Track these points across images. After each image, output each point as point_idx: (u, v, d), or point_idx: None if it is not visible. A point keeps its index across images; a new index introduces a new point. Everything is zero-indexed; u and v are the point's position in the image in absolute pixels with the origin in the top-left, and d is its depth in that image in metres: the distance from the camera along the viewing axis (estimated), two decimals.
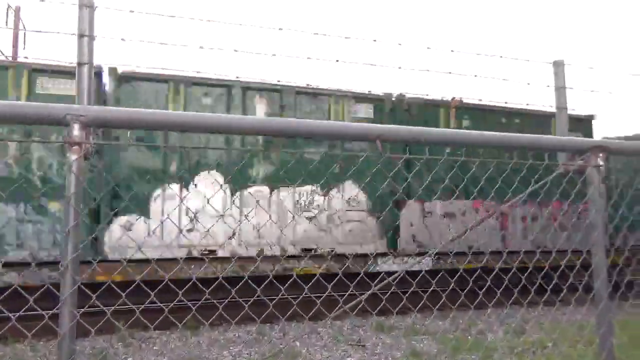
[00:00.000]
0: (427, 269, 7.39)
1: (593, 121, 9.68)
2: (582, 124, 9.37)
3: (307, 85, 7.87)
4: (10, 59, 12.80)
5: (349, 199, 7.76)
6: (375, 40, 3.00)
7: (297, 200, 7.54)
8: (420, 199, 8.06)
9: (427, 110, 8.38)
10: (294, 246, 7.39)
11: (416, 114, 8.23)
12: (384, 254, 7.79)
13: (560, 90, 3.67)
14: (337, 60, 2.80)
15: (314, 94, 7.93)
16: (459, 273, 2.64)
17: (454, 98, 8.36)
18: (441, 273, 2.48)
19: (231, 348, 5.64)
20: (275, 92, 7.62)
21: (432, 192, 7.60)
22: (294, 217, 7.38)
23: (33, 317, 4.90)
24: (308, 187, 7.55)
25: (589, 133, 9.40)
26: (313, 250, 7.39)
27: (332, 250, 7.42)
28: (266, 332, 6.28)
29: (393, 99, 8.18)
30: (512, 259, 7.94)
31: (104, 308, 2.30)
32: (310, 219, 7.45)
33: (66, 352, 1.54)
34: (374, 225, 7.90)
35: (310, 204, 7.58)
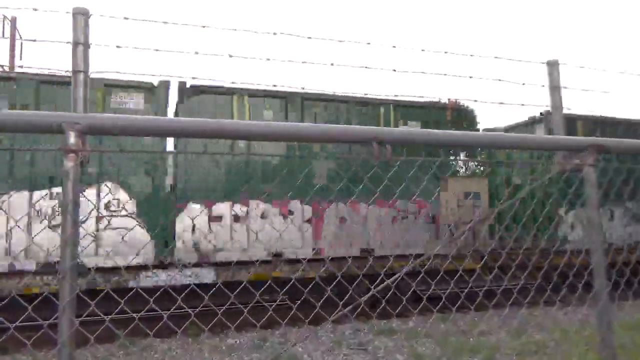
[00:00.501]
0: (208, 281, 6.72)
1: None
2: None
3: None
4: (7, 68, 12.80)
5: (108, 202, 6.73)
6: (369, 43, 3.02)
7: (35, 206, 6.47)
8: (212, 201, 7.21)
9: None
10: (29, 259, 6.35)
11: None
12: (147, 267, 6.69)
13: (555, 89, 3.67)
14: (332, 64, 2.81)
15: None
16: (458, 274, 2.64)
17: (449, 100, 8.39)
18: (440, 274, 2.48)
19: (232, 354, 5.63)
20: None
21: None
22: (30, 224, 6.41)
23: (34, 327, 4.88)
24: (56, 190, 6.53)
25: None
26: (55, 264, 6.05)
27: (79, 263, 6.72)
28: (267, 338, 6.26)
29: None
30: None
31: (104, 317, 2.30)
32: (54, 227, 6.33)
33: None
34: (143, 233, 6.76)
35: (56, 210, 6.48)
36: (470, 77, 3.28)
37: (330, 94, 7.99)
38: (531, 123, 9.77)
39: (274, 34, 2.81)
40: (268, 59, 2.86)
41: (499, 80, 3.34)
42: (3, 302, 2.16)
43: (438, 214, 8.22)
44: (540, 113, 9.52)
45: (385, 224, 7.88)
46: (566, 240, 9.01)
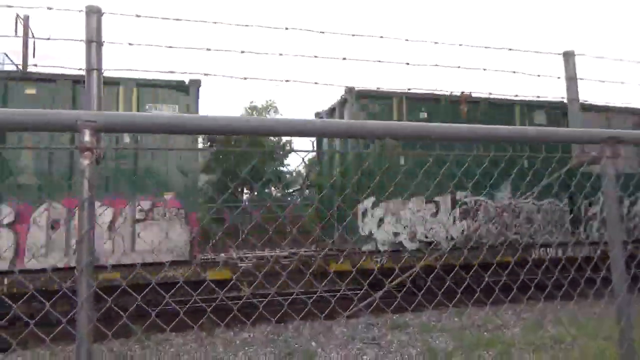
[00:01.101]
0: None
1: None
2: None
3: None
4: (20, 67, 12.95)
5: None
6: (382, 37, 2.99)
7: None
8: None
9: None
10: None
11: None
12: None
13: (571, 81, 3.62)
14: (344, 58, 2.79)
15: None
16: (474, 269, 2.62)
17: (463, 92, 8.28)
18: (456, 269, 2.46)
19: (247, 348, 5.66)
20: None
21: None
22: None
23: (51, 322, 4.97)
24: None
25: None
26: None
27: None
28: (281, 332, 6.29)
29: None
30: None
31: (120, 312, 2.32)
32: None
33: (84, 355, 1.55)
34: None
35: None
36: (485, 70, 3.24)
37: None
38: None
39: (286, 28, 2.80)
40: (280, 54, 2.85)
41: (514, 72, 3.29)
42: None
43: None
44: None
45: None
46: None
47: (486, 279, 2.50)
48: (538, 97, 3.60)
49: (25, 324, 2.08)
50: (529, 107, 8.91)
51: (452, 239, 7.93)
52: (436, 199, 8.02)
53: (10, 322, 5.63)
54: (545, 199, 8.69)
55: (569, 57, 3.70)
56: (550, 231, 8.65)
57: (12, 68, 13.98)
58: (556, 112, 8.97)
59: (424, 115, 8.27)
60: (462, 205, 8.13)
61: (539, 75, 3.50)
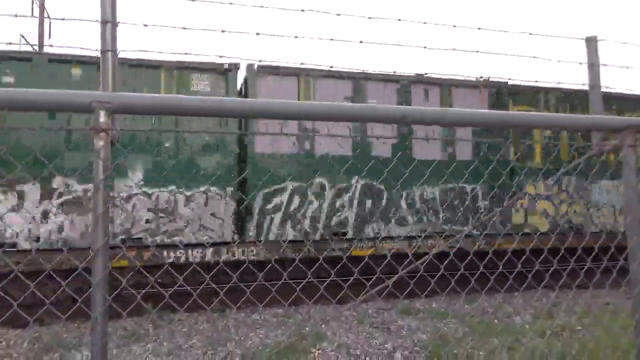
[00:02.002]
0: None
1: None
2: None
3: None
4: (36, 48, 13.04)
5: None
6: (399, 20, 2.93)
7: None
8: None
9: None
10: None
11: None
12: None
13: (593, 67, 3.52)
14: (361, 42, 2.74)
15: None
16: (488, 256, 2.59)
17: (481, 77, 8.16)
18: (470, 257, 2.44)
19: (257, 330, 5.73)
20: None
21: None
22: None
23: (66, 300, 5.08)
24: None
25: None
26: None
27: None
28: (292, 315, 6.35)
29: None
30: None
31: (134, 292, 2.35)
32: None
33: (99, 333, 1.57)
34: None
35: None
36: (505, 55, 3.17)
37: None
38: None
39: (302, 10, 2.75)
40: (296, 37, 2.82)
41: (534, 57, 3.22)
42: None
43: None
44: None
45: None
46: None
47: (500, 267, 2.48)
48: (558, 83, 3.53)
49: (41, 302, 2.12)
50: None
51: None
52: None
53: (29, 300, 5.74)
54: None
55: (591, 42, 3.59)
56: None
57: (28, 49, 14.09)
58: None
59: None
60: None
61: (559, 61, 3.42)
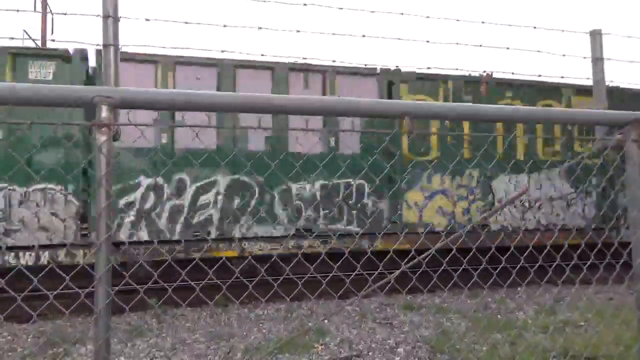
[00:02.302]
0: None
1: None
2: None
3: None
4: (39, 43, 13.04)
5: None
6: (402, 14, 2.92)
7: None
8: None
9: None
10: None
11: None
12: None
13: (598, 61, 3.50)
14: (364, 36, 2.73)
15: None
16: (491, 251, 2.59)
17: (484, 72, 8.10)
18: (472, 251, 2.43)
19: (260, 325, 5.75)
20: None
21: None
22: None
23: (70, 295, 5.09)
24: None
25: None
26: None
27: None
28: (294, 310, 6.37)
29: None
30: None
31: (137, 287, 2.36)
32: None
33: (102, 328, 1.58)
34: None
35: None
36: (507, 49, 3.16)
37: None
38: None
39: (304, 5, 2.74)
40: (298, 31, 2.81)
41: (538, 51, 3.20)
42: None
43: None
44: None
45: None
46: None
47: (503, 262, 2.48)
48: (562, 77, 3.50)
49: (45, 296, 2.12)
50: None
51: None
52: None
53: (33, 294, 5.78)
54: None
55: (595, 36, 3.57)
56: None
57: (31, 44, 14.08)
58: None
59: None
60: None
61: (563, 55, 3.39)
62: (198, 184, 6.84)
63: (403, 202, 7.65)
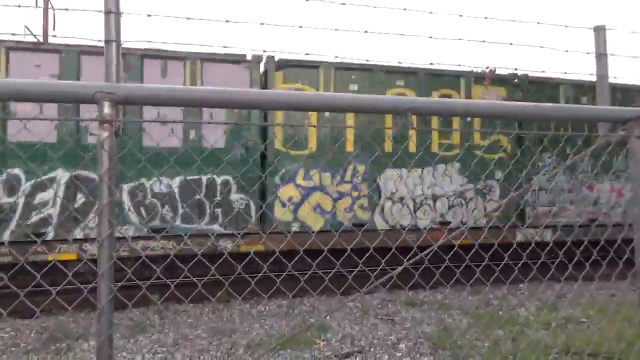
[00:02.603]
0: None
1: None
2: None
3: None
4: (41, 39, 13.03)
5: None
6: (405, 9, 2.91)
7: None
8: None
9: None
10: None
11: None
12: None
13: (601, 57, 3.48)
14: (366, 31, 2.72)
15: None
16: (493, 247, 2.58)
17: (487, 68, 8.06)
18: (474, 248, 2.43)
19: (262, 321, 5.76)
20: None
21: None
22: None
23: (73, 291, 5.11)
24: None
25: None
26: None
27: None
28: (296, 306, 6.38)
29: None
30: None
31: (140, 282, 2.36)
32: None
33: (104, 323, 1.58)
34: None
35: None
36: (511, 44, 3.14)
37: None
38: None
39: (306, 0, 2.73)
40: (300, 27, 2.80)
41: (541, 47, 3.18)
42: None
43: None
44: None
45: None
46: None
47: (505, 258, 2.47)
48: (565, 73, 3.49)
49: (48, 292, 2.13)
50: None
51: None
52: None
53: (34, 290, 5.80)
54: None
55: (599, 32, 3.55)
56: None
57: (32, 40, 14.07)
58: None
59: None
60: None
61: (567, 51, 3.38)
62: (33, 181, 6.19)
63: (275, 200, 7.04)
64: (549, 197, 7.97)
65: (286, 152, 7.11)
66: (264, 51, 6.67)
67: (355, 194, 7.36)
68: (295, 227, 7.03)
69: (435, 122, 7.30)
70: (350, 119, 7.31)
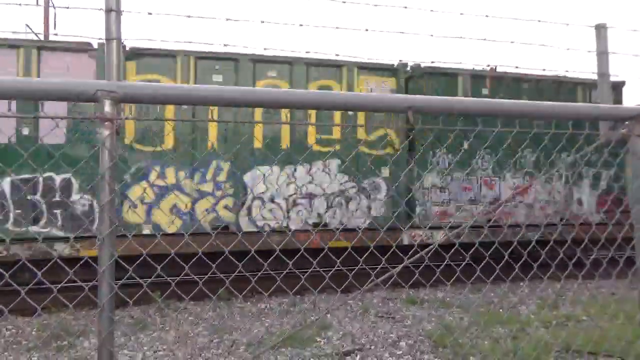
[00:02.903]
0: None
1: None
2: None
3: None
4: (42, 37, 13.03)
5: None
6: (405, 7, 2.90)
7: None
8: None
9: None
10: None
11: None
12: None
13: (602, 55, 3.48)
14: (367, 29, 2.71)
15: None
16: (494, 246, 2.59)
17: (489, 66, 8.04)
18: (475, 247, 2.43)
19: (263, 318, 5.77)
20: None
21: None
22: None
23: (75, 288, 5.12)
24: None
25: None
26: None
27: None
28: (297, 304, 6.38)
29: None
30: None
31: (141, 280, 2.37)
32: None
33: (106, 321, 1.58)
34: None
35: None
36: (512, 42, 3.13)
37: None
38: None
39: None
40: (301, 25, 2.80)
41: (543, 45, 3.17)
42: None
43: None
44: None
45: None
46: None
47: (506, 256, 2.48)
48: (566, 71, 3.49)
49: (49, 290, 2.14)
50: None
51: None
52: None
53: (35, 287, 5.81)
54: None
55: (600, 30, 3.55)
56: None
57: (33, 38, 14.07)
58: None
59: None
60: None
61: (568, 49, 3.37)
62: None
63: (124, 200, 6.47)
64: (445, 195, 7.57)
65: (139, 149, 6.57)
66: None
67: (218, 193, 6.82)
68: (147, 230, 6.51)
69: (313, 116, 6.99)
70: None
